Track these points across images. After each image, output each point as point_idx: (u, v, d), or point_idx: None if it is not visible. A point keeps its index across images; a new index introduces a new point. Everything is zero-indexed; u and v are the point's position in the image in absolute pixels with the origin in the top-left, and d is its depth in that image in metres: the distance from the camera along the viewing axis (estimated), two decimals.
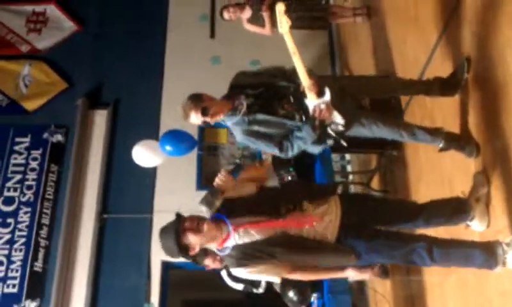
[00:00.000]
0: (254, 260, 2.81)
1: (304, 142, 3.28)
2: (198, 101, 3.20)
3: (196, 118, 3.21)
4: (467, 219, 3.13)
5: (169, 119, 6.97)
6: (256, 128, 3.28)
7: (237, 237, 2.83)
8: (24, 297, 6.36)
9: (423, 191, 4.35)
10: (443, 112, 3.87)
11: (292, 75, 3.28)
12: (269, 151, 3.51)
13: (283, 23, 3.04)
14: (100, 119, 7.34)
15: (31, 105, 7.37)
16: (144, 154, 5.56)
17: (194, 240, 2.76)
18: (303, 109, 3.23)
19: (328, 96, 3.15)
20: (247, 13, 5.90)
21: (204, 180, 6.85)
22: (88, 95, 7.42)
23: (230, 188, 2.94)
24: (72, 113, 7.23)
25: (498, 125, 3.08)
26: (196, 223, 2.76)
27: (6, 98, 7.36)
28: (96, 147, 7.23)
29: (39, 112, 7.38)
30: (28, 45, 7.71)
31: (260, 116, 3.25)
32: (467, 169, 3.42)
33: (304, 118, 3.24)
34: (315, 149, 3.43)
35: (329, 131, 3.29)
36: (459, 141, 3.40)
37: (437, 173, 4.02)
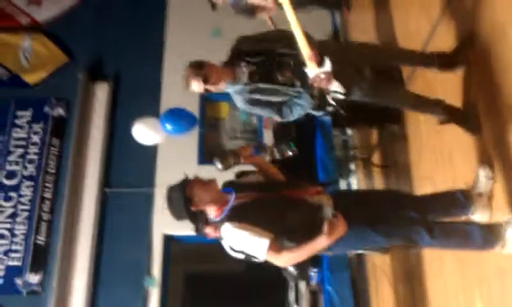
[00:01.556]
0: (244, 216, 2.81)
1: (303, 109, 3.30)
2: (199, 69, 3.19)
3: (197, 86, 3.20)
4: (468, 212, 3.10)
5: (170, 90, 6.99)
6: (257, 96, 3.29)
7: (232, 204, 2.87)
8: (27, 270, 6.43)
9: (423, 166, 4.34)
10: (444, 85, 3.84)
11: (293, 41, 3.25)
12: (270, 116, 3.50)
13: None
14: (102, 92, 7.34)
15: (32, 79, 7.36)
16: (144, 132, 5.54)
17: (199, 194, 2.81)
18: (303, 76, 3.21)
19: (328, 66, 3.12)
20: None
21: (206, 154, 6.86)
22: (89, 68, 7.42)
23: (247, 158, 3.02)
24: (73, 86, 7.24)
25: (502, 104, 3.06)
26: (203, 181, 2.85)
27: (6, 71, 7.35)
28: (97, 120, 7.24)
29: (40, 85, 7.37)
30: (28, 17, 7.65)
31: (261, 85, 3.26)
32: (468, 147, 3.40)
33: (303, 86, 3.23)
34: (317, 113, 3.46)
35: (329, 99, 3.28)
36: (459, 115, 3.38)
37: (438, 148, 4.00)
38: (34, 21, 7.66)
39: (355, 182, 6.53)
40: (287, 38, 3.32)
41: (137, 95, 7.11)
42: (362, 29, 6.30)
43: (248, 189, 2.97)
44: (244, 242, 2.78)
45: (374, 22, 5.72)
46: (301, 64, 3.17)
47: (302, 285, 5.53)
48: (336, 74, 3.15)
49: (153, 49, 7.51)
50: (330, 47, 3.33)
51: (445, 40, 3.78)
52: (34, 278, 6.39)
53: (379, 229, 2.86)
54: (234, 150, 3.01)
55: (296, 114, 3.32)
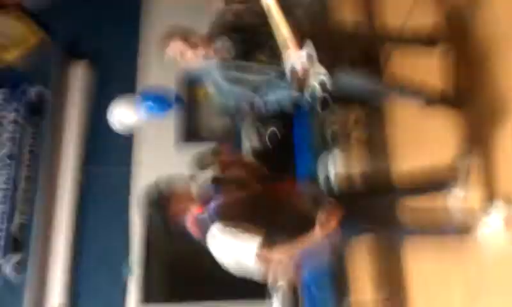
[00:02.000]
0: (229, 217, 2.75)
1: (286, 91, 3.25)
2: (178, 32, 3.19)
3: (174, 50, 3.17)
4: (447, 190, 3.14)
5: (149, 68, 6.90)
6: (233, 73, 3.23)
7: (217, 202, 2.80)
8: (5, 251, 6.35)
9: (405, 148, 4.34)
10: (424, 65, 3.81)
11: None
12: (248, 96, 3.44)
13: None
14: (79, 71, 7.23)
15: (8, 57, 7.20)
16: (123, 113, 5.44)
17: (176, 208, 2.78)
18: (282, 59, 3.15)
19: (309, 47, 3.07)
20: None
21: (185, 134, 6.79)
22: (67, 45, 7.27)
23: (227, 156, 3.08)
24: (49, 64, 7.09)
25: (483, 85, 3.05)
26: (178, 194, 2.81)
27: None
28: (76, 98, 7.15)
29: (16, 63, 7.21)
30: None
31: (238, 62, 3.21)
32: (451, 128, 3.40)
33: (283, 70, 3.15)
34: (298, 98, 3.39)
35: (312, 82, 3.22)
36: (442, 98, 3.37)
37: (420, 130, 3.99)
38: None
39: (335, 161, 6.51)
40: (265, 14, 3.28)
41: (116, 73, 7.00)
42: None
43: (233, 186, 2.91)
44: (233, 243, 2.68)
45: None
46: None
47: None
48: (317, 56, 3.10)
49: (132, 25, 7.38)
50: (309, 30, 3.27)
51: (424, 14, 3.76)
52: (12, 258, 6.30)
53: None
54: (212, 151, 2.97)
55: (275, 101, 3.26)
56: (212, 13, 3.41)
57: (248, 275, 2.78)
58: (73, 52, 7.29)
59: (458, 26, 3.30)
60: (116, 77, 6.87)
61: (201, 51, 3.20)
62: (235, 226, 2.67)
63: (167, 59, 3.23)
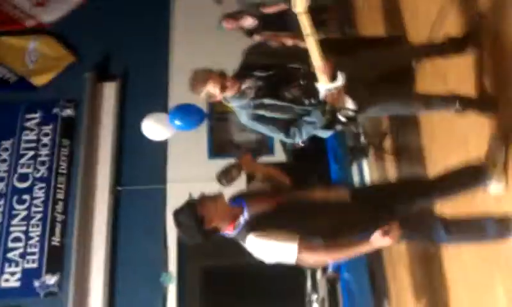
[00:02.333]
0: (265, 224, 2.75)
1: (313, 128, 3.19)
2: (204, 73, 3.16)
3: (202, 92, 3.16)
4: (484, 183, 3.08)
5: (178, 88, 6.94)
6: (262, 112, 3.19)
7: (247, 214, 2.80)
8: (44, 272, 6.46)
9: (436, 152, 4.30)
10: (455, 71, 3.79)
11: (305, 57, 3.19)
12: (274, 136, 3.44)
13: (298, 2, 2.96)
14: (109, 92, 7.35)
15: (39, 81, 7.36)
16: (154, 128, 5.54)
17: (210, 212, 2.72)
18: (313, 93, 3.13)
19: (341, 81, 3.06)
20: None
21: (216, 148, 6.85)
22: (96, 68, 7.42)
23: (249, 166, 3.01)
24: (80, 87, 7.23)
25: None
26: (210, 197, 2.77)
27: (13, 74, 7.35)
28: (106, 119, 7.25)
29: (48, 87, 7.38)
30: (33, 19, 7.65)
31: (267, 101, 3.16)
32: (482, 129, 3.36)
33: (314, 103, 3.13)
34: (324, 134, 3.38)
35: (339, 116, 3.21)
36: (475, 103, 3.33)
37: (451, 133, 3.95)
38: (39, 23, 7.66)
39: (367, 169, 6.49)
40: (298, 53, 3.28)
41: (145, 93, 7.10)
42: (370, 13, 6.24)
43: (259, 197, 2.91)
44: (271, 250, 2.71)
45: (382, 5, 5.66)
46: (312, 79, 3.09)
47: (318, 274, 5.51)
48: (348, 90, 3.09)
49: (160, 46, 7.49)
50: (341, 62, 3.25)
51: (454, 22, 3.73)
52: (51, 279, 6.42)
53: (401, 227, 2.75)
54: (234, 164, 2.98)
55: (305, 134, 3.20)
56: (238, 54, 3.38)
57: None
58: (103, 74, 7.42)
59: (489, 29, 3.28)
60: (147, 96, 6.94)
61: (230, 91, 3.20)
62: (269, 234, 2.70)
63: (197, 98, 3.26)
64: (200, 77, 3.18)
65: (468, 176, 3.11)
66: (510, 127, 3.07)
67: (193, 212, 2.69)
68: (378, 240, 2.62)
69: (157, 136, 5.68)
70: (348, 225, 2.77)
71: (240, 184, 3.12)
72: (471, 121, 3.45)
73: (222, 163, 3.01)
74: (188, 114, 5.31)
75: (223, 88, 3.14)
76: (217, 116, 7.13)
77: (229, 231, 2.83)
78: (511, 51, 3.03)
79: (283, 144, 6.25)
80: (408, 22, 4.81)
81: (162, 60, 7.41)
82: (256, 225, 2.75)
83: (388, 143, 5.80)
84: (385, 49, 3.54)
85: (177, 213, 2.77)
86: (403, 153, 5.31)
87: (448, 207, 3.30)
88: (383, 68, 3.51)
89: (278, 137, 3.32)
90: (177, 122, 5.32)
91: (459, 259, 3.96)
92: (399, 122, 5.29)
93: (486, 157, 3.19)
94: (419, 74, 4.40)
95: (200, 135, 6.78)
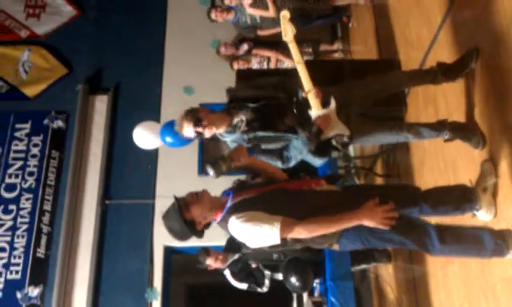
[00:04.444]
0: (247, 207, 2.77)
1: (299, 152, 3.17)
2: (192, 113, 3.10)
3: (188, 130, 3.09)
4: (474, 208, 3.07)
5: (170, 101, 6.98)
6: (257, 144, 3.17)
7: (231, 202, 2.85)
8: (27, 283, 6.37)
9: (426, 176, 4.32)
10: (446, 97, 3.83)
11: (292, 86, 3.21)
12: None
13: (288, 31, 3.02)
14: (101, 105, 7.31)
15: (31, 91, 7.33)
16: (145, 136, 5.53)
17: (197, 211, 2.78)
18: (306, 121, 3.15)
19: (332, 105, 3.10)
20: None
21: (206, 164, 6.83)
22: (88, 80, 7.39)
23: (242, 160, 3.00)
24: (72, 99, 7.20)
25: (505, 113, 3.04)
26: (195, 195, 2.81)
27: (5, 84, 7.32)
28: (97, 132, 7.21)
29: (39, 98, 7.34)
30: (27, 30, 7.65)
31: (261, 134, 3.14)
32: (471, 155, 3.39)
33: (303, 128, 3.14)
34: (317, 162, 3.38)
35: (334, 143, 3.22)
36: (464, 131, 3.35)
37: (441, 158, 3.99)
38: (33, 34, 7.66)
39: None
40: (285, 84, 3.31)
41: (137, 107, 7.09)
42: (363, 38, 6.31)
43: (248, 188, 2.96)
44: (253, 231, 2.71)
45: (374, 31, 5.72)
46: (304, 107, 3.13)
47: (304, 296, 5.49)
48: (341, 117, 3.12)
49: (153, 61, 7.47)
50: (333, 90, 3.28)
51: (446, 48, 3.78)
52: (34, 291, 6.33)
53: (395, 228, 2.74)
54: (225, 155, 2.97)
55: (293, 158, 3.20)
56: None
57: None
58: (95, 86, 7.39)
59: (482, 57, 3.32)
60: (138, 110, 6.93)
61: (217, 131, 3.13)
62: (251, 215, 2.72)
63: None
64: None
65: (457, 197, 3.10)
66: (500, 154, 3.10)
67: (181, 217, 2.75)
68: (368, 211, 2.62)
69: (148, 144, 5.66)
70: (333, 211, 2.74)
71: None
72: (460, 147, 3.48)
73: (211, 180, 3.00)
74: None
75: (197, 123, 3.06)
76: None
77: (215, 219, 2.87)
78: (503, 79, 3.06)
79: None
80: (399, 46, 4.87)
81: (154, 74, 7.38)
82: (239, 208, 2.78)
83: (378, 167, 5.83)
84: (377, 79, 3.56)
85: (165, 219, 2.84)
86: (393, 177, 5.33)
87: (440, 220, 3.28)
88: (375, 97, 3.55)
89: (273, 164, 3.28)
90: (168, 139, 5.31)
91: (445, 288, 3.96)
92: (390, 146, 5.32)
93: (477, 181, 3.21)
94: (410, 99, 4.45)
95: (191, 151, 6.76)
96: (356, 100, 3.43)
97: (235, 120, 3.16)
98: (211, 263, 4.99)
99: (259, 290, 5.24)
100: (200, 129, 3.07)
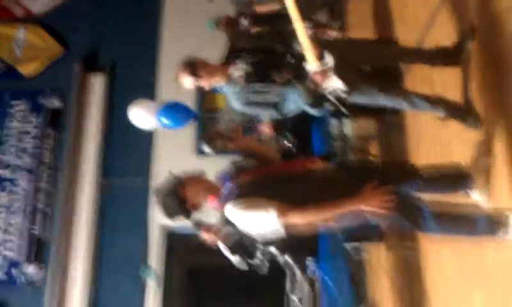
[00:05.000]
0: (244, 194, 2.76)
1: (295, 104, 3.22)
2: (189, 66, 3.14)
3: (188, 82, 3.14)
4: (467, 187, 3.08)
5: (167, 80, 6.96)
6: (254, 97, 3.21)
7: (228, 187, 2.84)
8: (23, 261, 6.40)
9: (422, 158, 4.31)
10: (443, 77, 3.81)
11: (290, 39, 3.20)
12: (267, 116, 3.44)
13: None
14: (97, 83, 7.31)
15: (26, 70, 7.31)
16: (142, 115, 5.49)
17: (191, 192, 2.78)
18: (302, 74, 3.15)
19: (328, 60, 3.07)
20: None
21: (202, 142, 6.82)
22: (85, 59, 7.37)
23: (238, 139, 3.03)
24: (68, 77, 7.18)
25: (501, 94, 3.03)
26: (191, 176, 2.83)
27: (1, 63, 7.29)
28: (94, 111, 7.21)
29: (35, 76, 7.31)
30: (23, 9, 7.60)
31: (259, 86, 3.17)
32: (467, 137, 3.37)
33: (299, 80, 3.15)
34: (315, 112, 3.38)
35: (329, 97, 3.23)
36: (460, 112, 3.33)
37: (436, 140, 3.97)
38: (29, 12, 7.61)
39: None
40: (285, 36, 3.28)
41: (134, 86, 7.04)
42: (360, 17, 6.26)
43: (244, 171, 2.93)
44: (251, 217, 2.70)
45: (372, 9, 5.68)
46: (300, 59, 3.11)
47: (298, 274, 5.51)
48: (336, 70, 3.10)
49: (149, 39, 7.46)
50: (330, 43, 3.27)
51: (444, 29, 3.75)
52: (29, 268, 6.36)
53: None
54: (221, 133, 2.97)
55: (288, 109, 3.24)
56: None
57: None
58: (91, 65, 7.37)
59: (480, 39, 3.30)
60: (135, 88, 6.88)
61: (216, 83, 3.20)
62: (247, 201, 2.71)
63: (182, 88, 3.24)
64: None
65: (451, 176, 3.11)
66: (496, 135, 3.09)
67: (175, 194, 2.76)
68: (367, 197, 2.61)
69: (145, 124, 5.62)
70: (330, 193, 2.72)
71: None
72: (456, 129, 3.46)
73: (209, 160, 3.00)
74: (176, 112, 5.29)
75: (196, 76, 3.11)
76: (207, 112, 7.11)
77: (210, 205, 2.86)
78: (501, 62, 3.04)
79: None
80: (397, 27, 4.84)
81: (151, 53, 7.38)
82: (236, 195, 2.77)
83: (374, 148, 5.83)
84: (376, 45, 3.55)
85: (159, 193, 2.83)
86: (388, 157, 5.33)
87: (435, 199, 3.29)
88: (373, 60, 3.53)
89: (270, 116, 3.29)
90: (164, 120, 5.27)
91: (440, 268, 3.98)
92: (386, 127, 5.32)
93: (471, 162, 3.20)
94: (406, 77, 4.42)
95: (189, 131, 6.75)
96: (355, 57, 3.42)
97: (235, 73, 3.18)
98: (205, 236, 4.98)
99: (250, 261, 5.24)
100: (199, 82, 3.11)
